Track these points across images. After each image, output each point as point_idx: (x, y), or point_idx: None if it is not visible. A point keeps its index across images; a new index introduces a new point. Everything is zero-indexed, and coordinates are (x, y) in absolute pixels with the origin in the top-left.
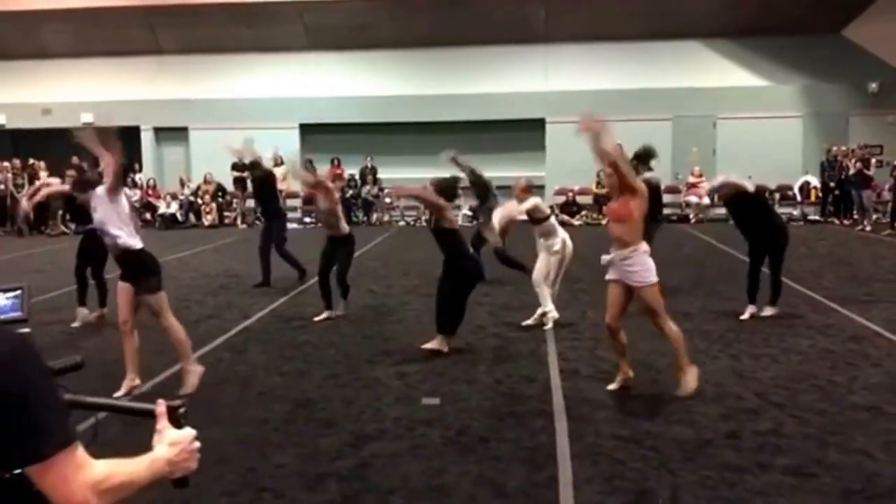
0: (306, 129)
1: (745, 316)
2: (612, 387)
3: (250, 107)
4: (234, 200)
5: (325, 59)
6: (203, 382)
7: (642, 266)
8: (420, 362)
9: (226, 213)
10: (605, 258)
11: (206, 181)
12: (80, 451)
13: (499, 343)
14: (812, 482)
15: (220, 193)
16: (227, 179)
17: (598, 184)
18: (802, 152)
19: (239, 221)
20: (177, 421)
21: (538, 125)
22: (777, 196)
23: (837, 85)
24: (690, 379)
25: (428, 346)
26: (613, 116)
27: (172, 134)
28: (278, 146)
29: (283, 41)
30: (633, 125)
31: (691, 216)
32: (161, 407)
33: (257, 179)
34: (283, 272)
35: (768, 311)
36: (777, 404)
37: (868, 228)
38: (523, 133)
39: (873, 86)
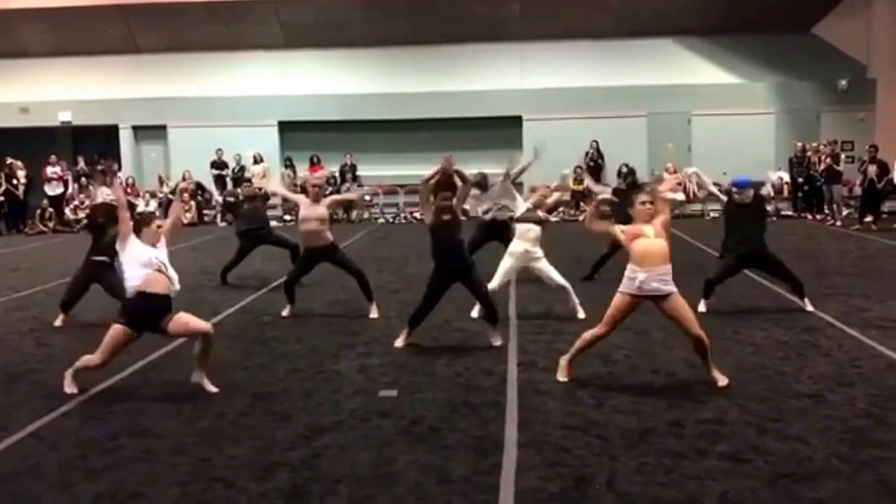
0: (285, 127)
1: (702, 309)
2: (562, 379)
3: (228, 105)
4: (213, 199)
5: (303, 58)
6: (165, 378)
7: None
8: (382, 356)
9: (205, 212)
10: (641, 276)
11: (184, 179)
12: None
13: (462, 337)
14: (745, 467)
15: (199, 191)
16: (206, 177)
17: (576, 180)
18: (775, 148)
19: (218, 219)
20: None
21: (515, 122)
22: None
23: (808, 82)
24: (721, 376)
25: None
26: (589, 113)
27: (151, 132)
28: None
29: (260, 39)
30: (609, 122)
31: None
32: None
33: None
34: (255, 269)
35: (807, 306)
36: (723, 394)
37: (839, 223)
38: (500, 130)
39: (843, 83)
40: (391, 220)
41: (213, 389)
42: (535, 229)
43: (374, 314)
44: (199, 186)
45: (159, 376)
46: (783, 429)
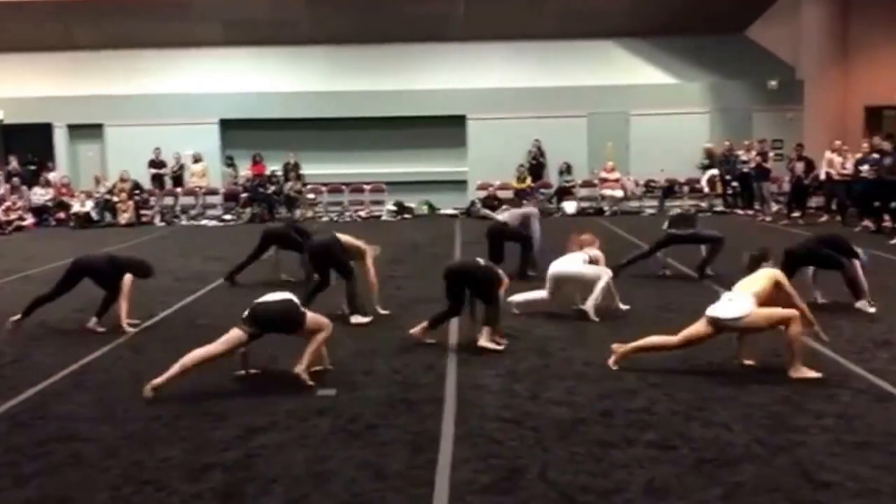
0: (226, 125)
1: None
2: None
3: (168, 103)
4: (152, 198)
5: (245, 55)
6: (97, 381)
7: None
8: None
9: (143, 212)
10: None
11: (121, 179)
12: None
13: (404, 335)
14: (671, 454)
15: (136, 191)
16: (143, 177)
17: (518, 178)
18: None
19: (157, 220)
20: None
21: (459, 121)
22: (686, 189)
23: (741, 82)
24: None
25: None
26: (532, 113)
27: (87, 131)
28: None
29: (201, 37)
30: (550, 122)
31: (606, 209)
32: None
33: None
34: (194, 270)
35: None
36: (654, 384)
37: (769, 219)
38: (445, 129)
39: (773, 83)
40: (335, 218)
41: (310, 383)
42: None
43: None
44: (137, 186)
45: (91, 380)
46: (708, 416)
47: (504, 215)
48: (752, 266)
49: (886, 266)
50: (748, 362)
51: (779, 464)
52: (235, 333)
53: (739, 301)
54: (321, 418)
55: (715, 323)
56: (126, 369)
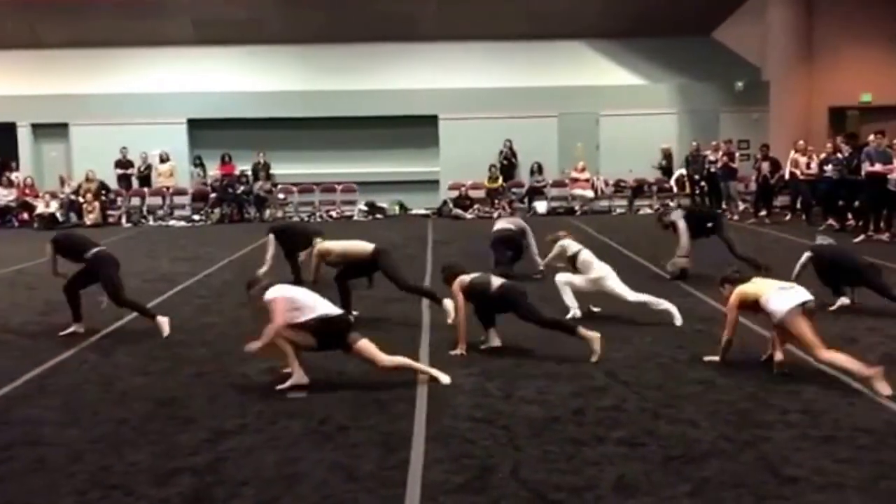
0: (194, 125)
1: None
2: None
3: (135, 102)
4: (119, 199)
5: (214, 54)
6: (62, 385)
7: None
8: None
9: (109, 212)
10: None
11: (87, 179)
12: None
13: (375, 336)
14: (640, 451)
15: (103, 191)
16: (110, 177)
17: (490, 178)
18: (678, 147)
19: (124, 220)
20: None
21: (431, 121)
22: (654, 188)
23: (708, 84)
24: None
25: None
26: (503, 113)
27: (52, 130)
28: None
29: (170, 35)
30: (522, 122)
31: (577, 209)
32: None
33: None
34: (161, 272)
35: None
36: (623, 382)
37: (736, 217)
38: (417, 129)
39: (739, 84)
40: (306, 218)
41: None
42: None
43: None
44: (103, 186)
45: (56, 384)
46: (676, 413)
47: (506, 223)
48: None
49: None
50: (780, 358)
51: (745, 459)
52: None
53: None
54: (292, 420)
55: (807, 310)
56: (92, 372)
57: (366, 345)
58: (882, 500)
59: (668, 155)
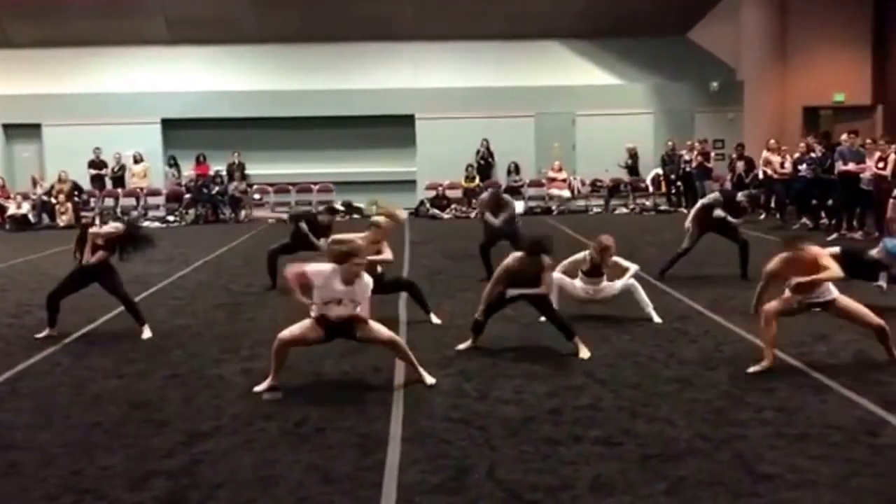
0: (169, 125)
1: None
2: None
3: (109, 102)
4: (92, 199)
5: (188, 53)
6: (35, 388)
7: None
8: (267, 359)
9: (83, 213)
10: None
11: (60, 180)
12: None
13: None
14: (617, 450)
15: (76, 192)
16: (83, 177)
17: (467, 178)
18: (654, 146)
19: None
20: None
21: (408, 121)
22: (630, 188)
23: (683, 84)
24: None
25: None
26: (480, 113)
27: (23, 131)
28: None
29: (143, 34)
30: (498, 122)
31: (554, 208)
32: None
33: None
34: (135, 273)
35: None
36: (600, 380)
37: None
38: (394, 129)
39: (714, 85)
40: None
41: (431, 380)
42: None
43: (436, 320)
44: (76, 187)
45: (28, 386)
46: (652, 412)
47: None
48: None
49: None
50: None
51: (721, 457)
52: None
53: None
54: (267, 422)
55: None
56: (65, 375)
57: (371, 327)
58: (854, 496)
59: (633, 154)
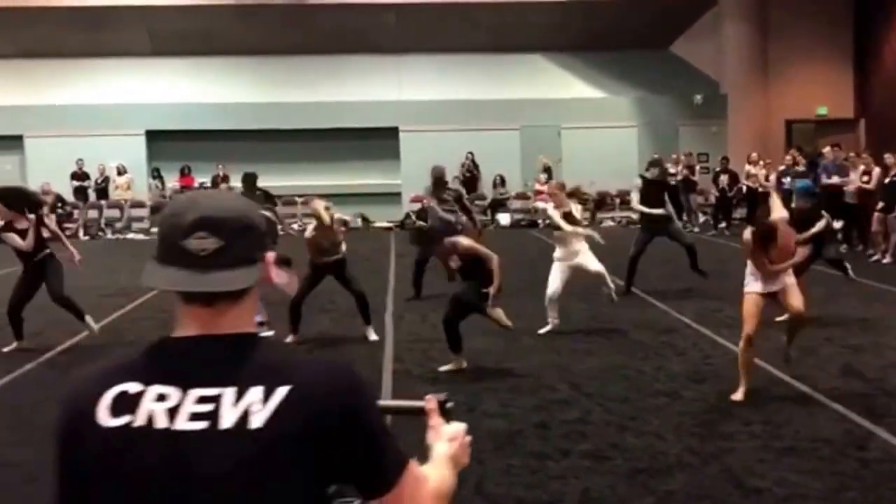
0: (153, 136)
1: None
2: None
3: (92, 113)
4: (75, 211)
5: (172, 65)
6: (16, 402)
7: None
8: None
9: (66, 225)
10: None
11: (43, 192)
12: (415, 464)
13: (338, 349)
14: (605, 464)
15: (59, 204)
16: (66, 189)
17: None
18: (638, 159)
19: (81, 233)
20: (447, 415)
21: (392, 134)
22: (617, 201)
23: (667, 97)
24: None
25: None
26: (464, 125)
27: (5, 143)
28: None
29: (126, 46)
30: (484, 134)
31: (540, 221)
32: (431, 403)
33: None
34: (120, 286)
35: None
36: (587, 394)
37: (696, 230)
38: (378, 141)
39: (698, 98)
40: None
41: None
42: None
43: (372, 336)
44: (60, 199)
45: (10, 401)
46: (641, 426)
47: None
48: None
49: (812, 274)
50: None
51: (709, 471)
52: None
53: None
54: None
55: None
56: (49, 390)
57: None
58: None
59: (546, 168)
